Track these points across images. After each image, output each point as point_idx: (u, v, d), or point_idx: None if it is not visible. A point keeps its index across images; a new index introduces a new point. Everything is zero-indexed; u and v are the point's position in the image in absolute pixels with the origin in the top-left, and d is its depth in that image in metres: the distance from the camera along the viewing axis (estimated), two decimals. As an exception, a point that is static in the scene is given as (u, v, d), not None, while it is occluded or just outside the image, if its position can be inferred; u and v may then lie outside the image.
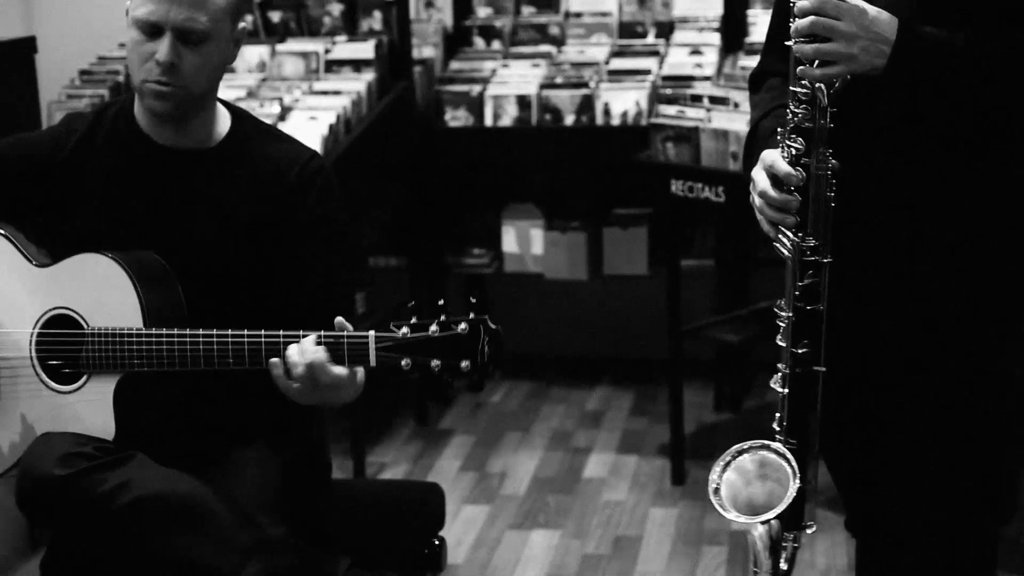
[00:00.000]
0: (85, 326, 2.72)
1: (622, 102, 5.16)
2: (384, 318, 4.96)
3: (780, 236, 2.46)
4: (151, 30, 2.69)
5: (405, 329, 2.51)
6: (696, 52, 5.28)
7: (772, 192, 2.43)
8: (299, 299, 2.78)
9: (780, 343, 2.50)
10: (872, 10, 2.34)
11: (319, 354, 2.53)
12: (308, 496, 2.86)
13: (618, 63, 5.36)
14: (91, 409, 2.71)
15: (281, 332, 2.59)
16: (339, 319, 2.56)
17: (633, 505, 4.57)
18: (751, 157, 2.60)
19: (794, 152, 2.40)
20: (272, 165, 2.82)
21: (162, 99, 2.71)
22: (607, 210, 5.48)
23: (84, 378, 2.72)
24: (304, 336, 2.56)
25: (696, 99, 4.66)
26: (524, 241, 5.47)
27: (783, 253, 2.46)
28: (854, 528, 2.76)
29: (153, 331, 2.66)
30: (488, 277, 5.76)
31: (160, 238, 2.78)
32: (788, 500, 2.43)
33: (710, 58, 5.23)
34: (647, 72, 5.25)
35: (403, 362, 2.50)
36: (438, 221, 5.52)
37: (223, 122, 2.85)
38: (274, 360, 2.57)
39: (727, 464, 2.50)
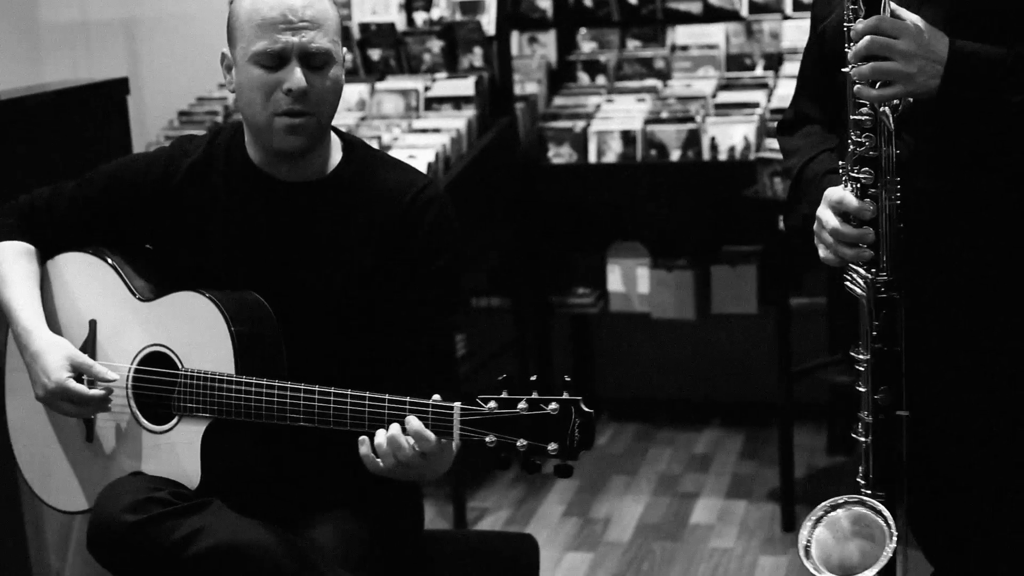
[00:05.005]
0: (180, 366, 2.66)
1: (730, 136, 5.03)
2: (485, 361, 4.93)
3: (851, 274, 2.38)
4: (275, 61, 2.62)
5: (493, 403, 2.38)
6: (805, 84, 5.13)
7: (845, 228, 2.36)
8: (398, 339, 2.69)
9: (860, 389, 2.42)
10: (927, 28, 2.30)
11: (408, 442, 2.43)
12: (395, 551, 2.76)
13: (725, 96, 5.23)
14: (180, 452, 2.66)
15: (368, 394, 2.48)
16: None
17: (742, 553, 4.42)
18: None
19: (860, 184, 2.35)
20: (384, 194, 2.73)
21: (295, 132, 2.63)
22: (715, 247, 5.36)
23: (175, 419, 2.66)
24: (390, 402, 2.45)
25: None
26: (630, 280, 5.36)
27: (856, 292, 2.39)
28: None
29: (244, 380, 2.58)
30: (593, 317, 5.65)
31: (269, 272, 2.71)
32: (884, 560, 2.31)
33: (820, 90, 5.08)
34: (755, 105, 5.11)
35: (488, 439, 2.38)
36: (542, 261, 5.44)
37: (335, 151, 2.78)
38: (361, 438, 2.47)
39: (818, 520, 2.39)
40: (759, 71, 5.39)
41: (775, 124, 4.76)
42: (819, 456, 5.15)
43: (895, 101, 2.33)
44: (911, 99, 2.32)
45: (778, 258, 4.59)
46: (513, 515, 4.81)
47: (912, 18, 2.31)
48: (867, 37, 2.29)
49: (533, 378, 2.41)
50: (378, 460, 2.45)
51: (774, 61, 5.38)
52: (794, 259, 4.74)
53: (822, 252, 2.42)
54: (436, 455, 2.44)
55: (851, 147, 2.34)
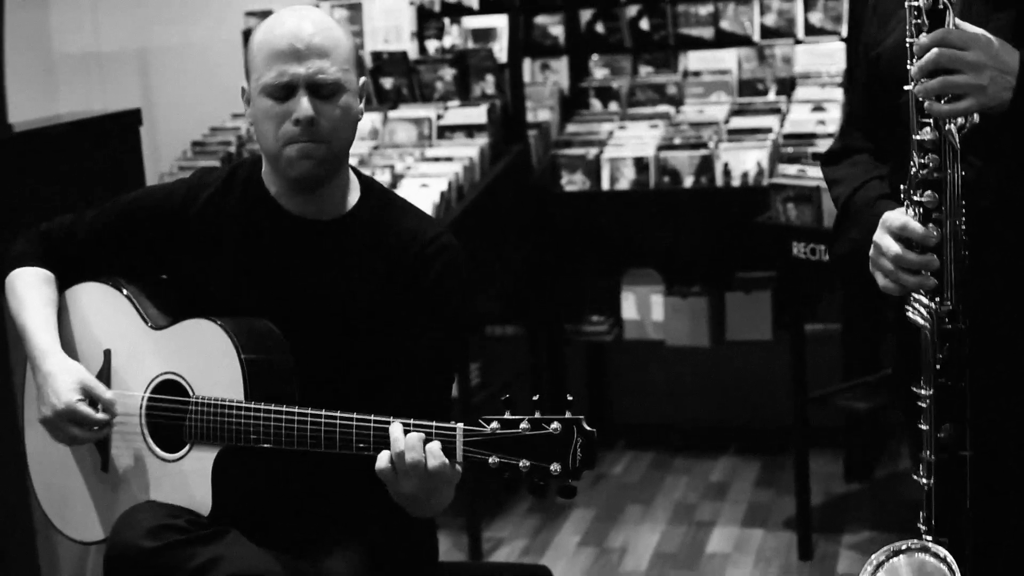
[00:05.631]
0: (191, 394, 2.65)
1: (743, 162, 5.02)
2: (498, 390, 4.91)
3: (914, 304, 2.27)
4: (283, 92, 2.61)
5: (495, 424, 2.40)
6: (818, 108, 5.13)
7: (909, 255, 2.23)
8: (398, 378, 2.68)
9: (921, 426, 2.28)
10: (996, 39, 2.18)
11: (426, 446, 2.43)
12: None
13: (738, 122, 5.22)
14: (191, 480, 2.65)
15: (372, 418, 2.49)
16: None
17: (759, 582, 4.40)
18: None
19: (922, 210, 2.22)
20: (397, 239, 2.73)
21: (306, 158, 2.62)
22: (729, 274, 5.34)
23: (187, 447, 2.66)
24: (391, 423, 2.46)
25: (817, 157, 4.51)
26: (644, 307, 5.34)
27: (918, 322, 2.26)
28: None
29: (252, 405, 2.58)
30: (608, 345, 5.64)
31: (281, 306, 2.70)
32: None
33: (833, 114, 5.08)
34: (768, 131, 5.10)
35: (491, 460, 2.39)
36: (556, 288, 5.42)
37: (353, 191, 2.77)
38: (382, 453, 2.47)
39: (879, 566, 2.28)
40: (772, 96, 5.38)
41: (787, 150, 4.81)
42: (836, 483, 5.12)
43: (961, 119, 2.21)
44: (977, 117, 2.20)
45: (792, 284, 4.57)
46: (529, 545, 4.78)
47: (979, 31, 2.19)
48: (934, 50, 2.17)
49: (535, 398, 2.41)
50: (395, 472, 2.45)
51: (786, 86, 5.36)
52: (808, 285, 4.73)
53: (881, 280, 2.29)
54: (440, 478, 2.43)
55: (914, 169, 2.22)
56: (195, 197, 2.78)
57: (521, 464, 2.37)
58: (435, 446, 2.42)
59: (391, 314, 2.68)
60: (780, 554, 4.57)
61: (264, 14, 5.44)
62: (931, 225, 2.22)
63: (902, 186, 2.27)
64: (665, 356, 5.57)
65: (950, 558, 2.25)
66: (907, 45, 2.23)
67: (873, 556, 2.30)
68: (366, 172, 4.63)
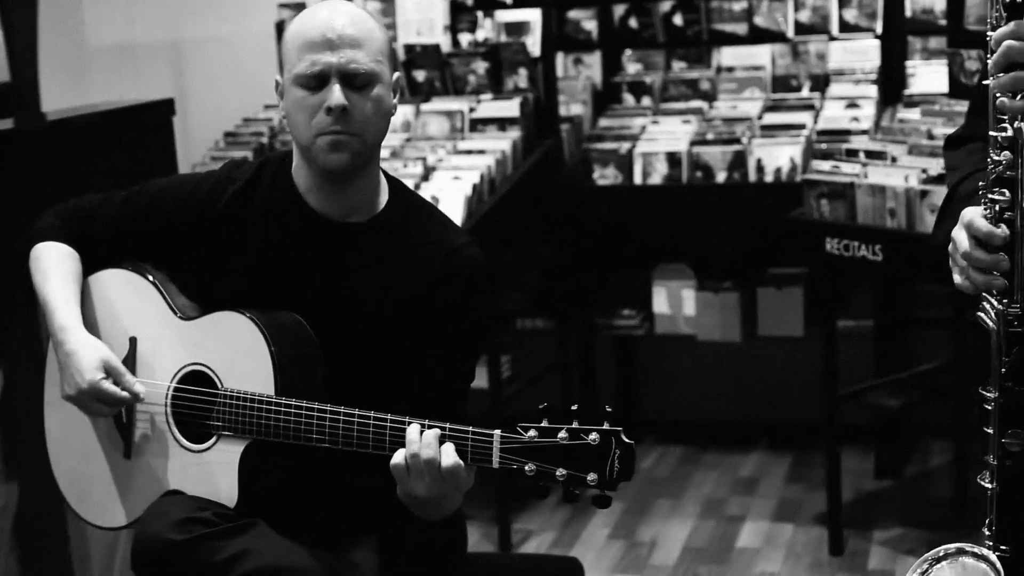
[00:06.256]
0: (219, 386, 2.65)
1: (776, 158, 5.01)
2: (530, 382, 4.91)
3: (984, 304, 2.20)
4: (316, 82, 2.60)
5: (533, 432, 2.39)
6: (852, 105, 5.12)
7: (978, 253, 2.17)
8: (413, 388, 2.67)
9: (987, 431, 2.22)
10: None
11: (446, 446, 2.43)
12: (437, 574, 2.74)
13: (771, 118, 5.21)
14: (217, 471, 2.64)
15: (408, 419, 2.48)
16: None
17: (788, 577, 4.39)
18: (945, 223, 2.34)
19: (997, 208, 2.16)
20: (423, 247, 2.72)
21: (338, 149, 2.61)
22: (761, 269, 5.32)
23: (213, 439, 2.65)
24: (431, 426, 2.46)
25: (851, 154, 4.49)
26: (675, 302, 5.33)
27: (986, 324, 2.20)
28: None
29: (283, 400, 2.57)
30: (638, 339, 5.63)
31: (302, 305, 2.69)
32: None
33: (867, 111, 5.06)
34: (801, 127, 5.09)
35: (527, 467, 2.39)
36: (587, 282, 5.41)
37: (382, 194, 2.76)
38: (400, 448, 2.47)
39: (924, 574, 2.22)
40: (805, 92, 5.36)
41: (821, 146, 4.79)
42: (866, 480, 5.10)
43: None
44: None
45: (825, 280, 4.56)
46: (558, 537, 4.78)
47: None
48: (1004, 43, 2.11)
49: (574, 407, 2.40)
50: (409, 471, 2.45)
51: (820, 82, 5.35)
52: (839, 281, 4.71)
53: (956, 277, 2.23)
54: (452, 480, 2.42)
55: (990, 166, 2.16)
56: (222, 191, 2.77)
57: (558, 473, 2.36)
58: (449, 447, 2.42)
59: (411, 321, 2.68)
60: (810, 549, 4.56)
61: (297, 6, 5.48)
62: (1002, 225, 2.16)
63: (980, 182, 2.21)
64: (696, 351, 5.57)
65: (992, 556, 2.20)
66: (986, 39, 2.17)
67: (915, 565, 2.25)
68: (398, 164, 4.67)
